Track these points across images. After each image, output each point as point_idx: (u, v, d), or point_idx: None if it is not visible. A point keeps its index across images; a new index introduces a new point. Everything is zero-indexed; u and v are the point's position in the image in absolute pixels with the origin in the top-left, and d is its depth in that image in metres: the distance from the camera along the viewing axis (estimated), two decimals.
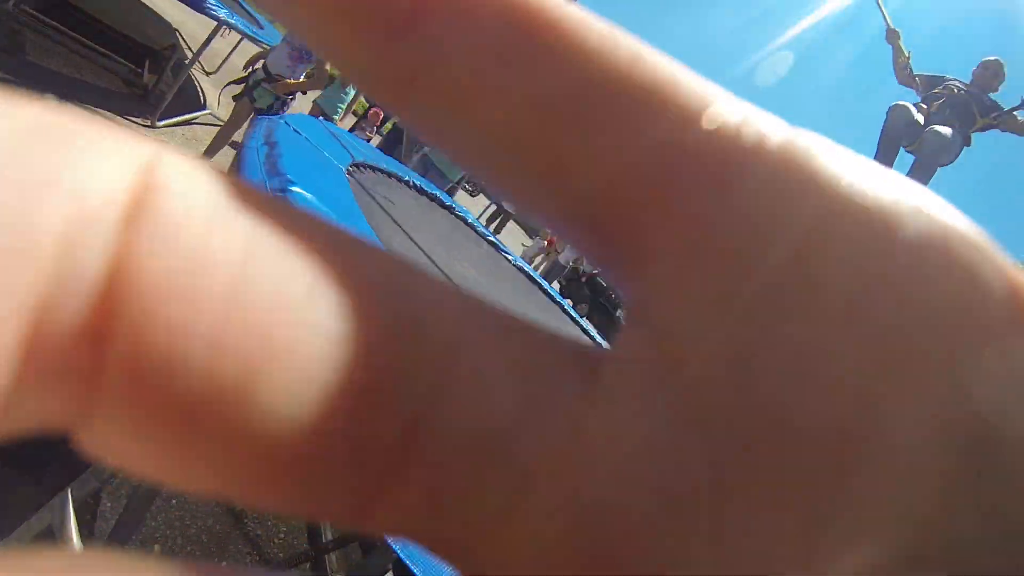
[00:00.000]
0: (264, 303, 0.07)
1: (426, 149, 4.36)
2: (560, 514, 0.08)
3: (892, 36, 4.31)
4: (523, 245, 10.45)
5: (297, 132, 1.94)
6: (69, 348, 0.07)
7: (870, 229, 0.08)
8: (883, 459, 0.08)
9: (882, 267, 0.08)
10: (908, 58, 4.33)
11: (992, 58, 4.15)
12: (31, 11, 3.78)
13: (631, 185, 0.08)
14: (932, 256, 0.08)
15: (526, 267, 3.07)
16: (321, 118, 3.22)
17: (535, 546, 0.08)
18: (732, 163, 0.08)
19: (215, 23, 4.05)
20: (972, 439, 0.08)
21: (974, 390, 0.08)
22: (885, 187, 0.08)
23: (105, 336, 0.07)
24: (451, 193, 4.15)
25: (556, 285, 5.58)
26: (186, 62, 4.34)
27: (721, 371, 0.08)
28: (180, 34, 4.70)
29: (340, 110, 4.43)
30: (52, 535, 1.33)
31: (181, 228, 0.07)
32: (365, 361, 0.07)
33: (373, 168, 2.33)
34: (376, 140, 6.19)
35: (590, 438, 0.08)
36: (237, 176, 0.08)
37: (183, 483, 0.08)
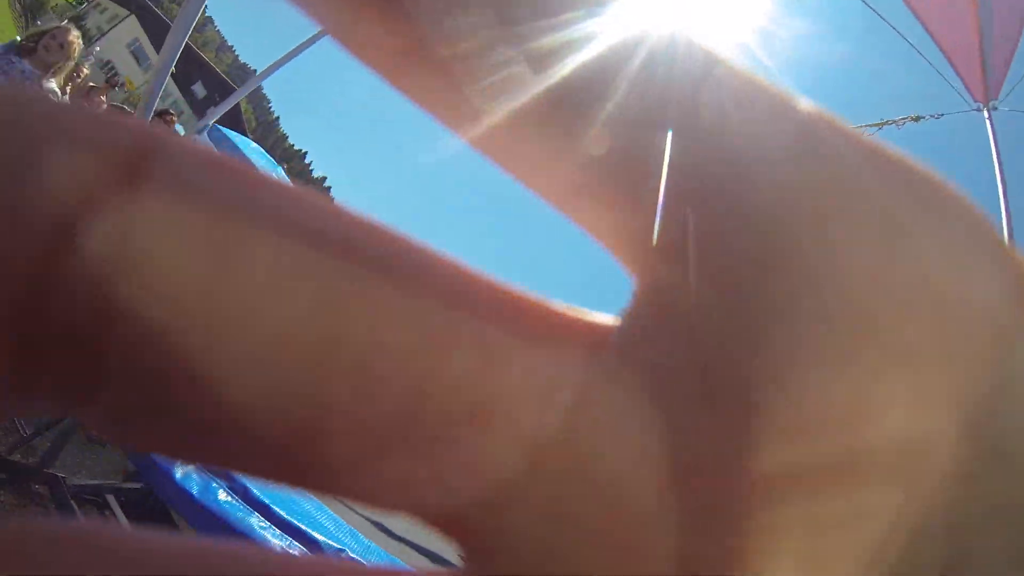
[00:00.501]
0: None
1: None
2: (572, 487, 0.08)
3: None
4: None
5: None
6: (70, 326, 0.07)
7: (874, 213, 0.08)
8: (886, 445, 0.08)
9: (886, 256, 0.08)
10: None
11: None
12: None
13: (631, 175, 0.08)
14: (936, 245, 0.08)
15: None
16: None
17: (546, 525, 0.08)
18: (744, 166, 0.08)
19: None
20: (976, 427, 0.08)
21: (979, 379, 0.08)
22: (889, 169, 0.08)
23: (107, 312, 0.07)
24: None
25: None
26: None
27: (728, 348, 0.08)
28: None
29: None
30: None
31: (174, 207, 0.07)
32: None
33: None
34: None
35: (599, 412, 0.08)
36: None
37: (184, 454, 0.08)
